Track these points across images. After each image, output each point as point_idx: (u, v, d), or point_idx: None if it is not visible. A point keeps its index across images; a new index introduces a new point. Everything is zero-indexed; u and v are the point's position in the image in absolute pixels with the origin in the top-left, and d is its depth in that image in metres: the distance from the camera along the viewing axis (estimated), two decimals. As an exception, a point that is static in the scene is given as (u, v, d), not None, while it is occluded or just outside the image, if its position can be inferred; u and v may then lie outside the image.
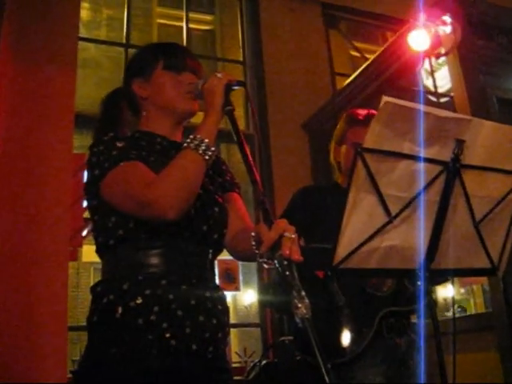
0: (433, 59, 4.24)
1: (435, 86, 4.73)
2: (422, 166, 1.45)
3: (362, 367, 2.11)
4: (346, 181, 2.48)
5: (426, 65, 4.34)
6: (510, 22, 4.34)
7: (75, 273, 10.90)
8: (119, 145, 1.56)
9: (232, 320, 9.12)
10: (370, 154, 1.38)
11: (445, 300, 4.34)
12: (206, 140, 1.49)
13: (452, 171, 1.49)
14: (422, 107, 1.37)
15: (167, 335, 1.45)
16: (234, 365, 4.95)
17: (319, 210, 2.28)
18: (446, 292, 4.36)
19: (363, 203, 1.43)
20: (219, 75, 1.57)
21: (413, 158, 1.43)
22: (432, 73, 4.40)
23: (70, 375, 3.92)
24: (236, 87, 1.56)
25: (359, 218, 1.43)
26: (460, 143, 1.47)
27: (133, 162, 1.53)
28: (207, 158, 1.49)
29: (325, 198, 2.33)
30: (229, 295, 8.63)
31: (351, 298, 2.16)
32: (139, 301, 1.46)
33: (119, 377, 1.44)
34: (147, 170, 1.52)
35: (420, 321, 1.59)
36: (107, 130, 1.63)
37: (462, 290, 4.32)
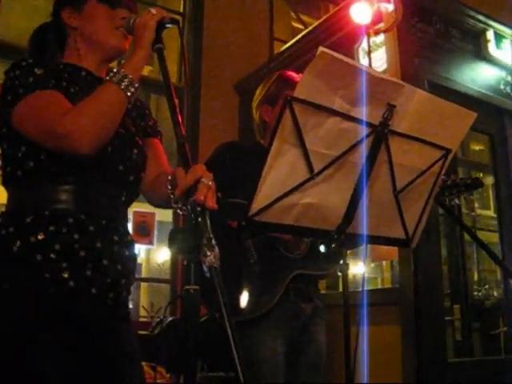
0: (371, 39, 4.25)
1: (370, 66, 4.76)
2: (350, 125, 1.42)
3: (265, 328, 2.10)
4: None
5: (364, 44, 4.34)
6: (449, 11, 4.41)
7: (-17, 212, 10.48)
8: (38, 72, 1.47)
9: (144, 275, 9.04)
10: (298, 105, 1.32)
11: (354, 276, 4.43)
12: (130, 76, 1.43)
13: (379, 135, 1.47)
14: (358, 64, 1.33)
15: (65, 275, 1.39)
16: (141, 319, 4.90)
17: (240, 168, 2.23)
18: (355, 268, 4.46)
19: (286, 156, 1.38)
20: (153, 11, 1.49)
21: (342, 115, 1.39)
22: (369, 53, 4.40)
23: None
24: (169, 25, 1.49)
25: (280, 171, 1.38)
26: (391, 108, 1.45)
27: (49, 91, 1.44)
28: (129, 94, 1.43)
29: (247, 157, 2.28)
30: (142, 250, 8.53)
31: (263, 256, 2.14)
32: (41, 236, 1.39)
33: (10, 315, 1.35)
34: (64, 100, 1.43)
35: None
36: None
37: (372, 265, 4.42)
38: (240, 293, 2.09)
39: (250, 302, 2.08)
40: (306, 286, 2.25)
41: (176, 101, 1.32)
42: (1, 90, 1.49)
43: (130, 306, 1.66)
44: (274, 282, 2.12)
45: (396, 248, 3.42)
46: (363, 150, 1.47)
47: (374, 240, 1.66)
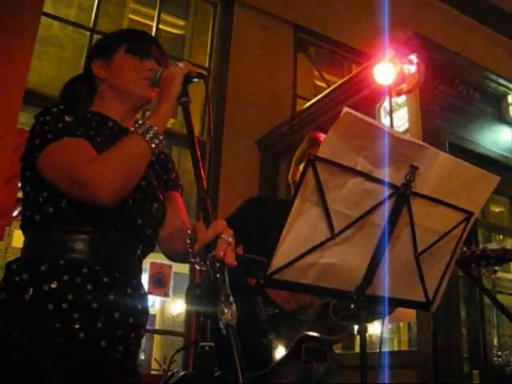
0: (393, 99, 4.30)
1: (392, 126, 4.79)
2: (372, 186, 1.41)
3: None
4: None
5: (386, 104, 4.39)
6: (471, 74, 4.46)
7: (2, 256, 10.52)
8: (67, 119, 1.49)
9: (157, 327, 8.95)
10: (321, 164, 1.33)
11: (370, 336, 4.34)
12: (155, 127, 1.44)
13: (401, 197, 1.46)
14: (382, 125, 1.33)
15: (76, 326, 1.37)
16: (153, 372, 4.83)
17: (265, 223, 2.24)
18: (372, 328, 4.38)
19: (307, 214, 1.38)
20: (180, 64, 1.52)
21: (365, 176, 1.39)
22: (391, 112, 4.45)
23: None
24: (196, 79, 1.51)
25: (301, 229, 1.37)
26: (414, 169, 1.44)
27: (77, 139, 1.45)
28: (153, 145, 1.43)
29: (273, 212, 2.30)
30: (157, 302, 8.47)
31: (273, 314, 2.12)
32: (54, 285, 1.38)
33: (18, 363, 1.33)
34: (90, 148, 1.44)
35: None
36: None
37: (389, 326, 4.34)
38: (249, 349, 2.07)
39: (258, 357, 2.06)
40: (319, 346, 2.21)
41: (199, 155, 1.33)
42: (29, 134, 1.51)
43: (142, 357, 1.64)
44: (282, 341, 2.09)
45: (414, 310, 3.36)
46: (385, 211, 1.46)
47: (394, 302, 1.63)
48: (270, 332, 2.10)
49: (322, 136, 2.48)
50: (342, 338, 2.28)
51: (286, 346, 2.10)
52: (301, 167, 2.46)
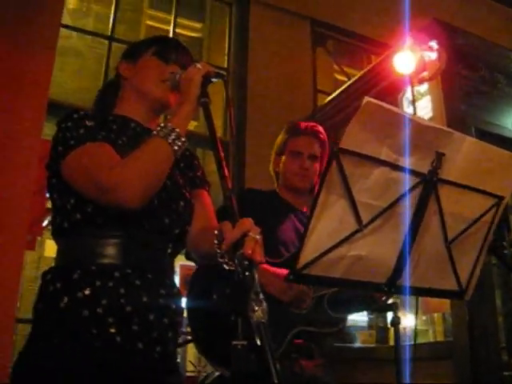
0: (415, 88, 4.24)
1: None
2: (398, 175, 1.39)
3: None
4: (283, 190, 2.50)
5: (408, 94, 4.33)
6: (494, 57, 4.38)
7: (35, 267, 10.66)
8: (88, 124, 1.50)
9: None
10: (345, 156, 1.31)
11: (404, 329, 4.28)
12: (177, 129, 1.44)
13: (428, 184, 1.44)
14: (405, 112, 1.31)
15: (112, 330, 1.39)
16: (188, 374, 4.84)
17: (258, 214, 2.24)
18: (405, 321, 4.33)
19: (333, 207, 1.36)
20: (198, 65, 1.52)
21: (390, 165, 1.37)
22: (413, 102, 4.39)
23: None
24: (215, 79, 1.52)
25: (327, 223, 1.35)
26: (440, 156, 1.42)
27: (99, 143, 1.47)
28: (176, 148, 1.44)
29: (264, 203, 2.29)
30: (189, 304, 8.48)
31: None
32: (87, 292, 1.39)
33: (59, 369, 1.35)
34: (113, 152, 1.46)
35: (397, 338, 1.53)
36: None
37: (423, 318, 4.28)
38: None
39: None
40: (307, 342, 2.19)
41: (222, 154, 1.33)
42: (52, 142, 1.53)
43: (177, 360, 1.64)
44: (275, 338, 2.06)
45: (447, 300, 3.31)
46: (413, 199, 1.43)
47: (426, 292, 1.61)
48: None
49: (302, 124, 2.47)
50: (337, 331, 2.25)
51: (279, 343, 2.07)
52: (282, 158, 2.45)
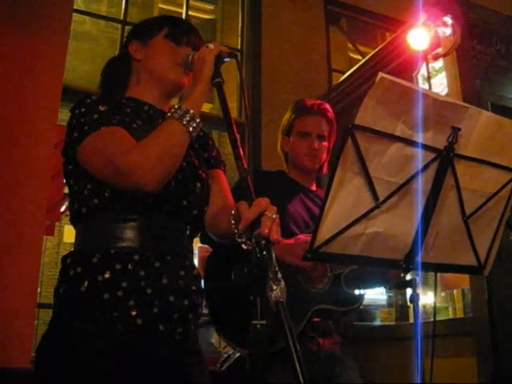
0: (430, 65, 4.20)
1: (431, 92, 4.69)
2: (414, 150, 1.38)
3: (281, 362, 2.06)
4: (291, 170, 2.48)
5: (423, 70, 4.29)
6: (509, 31, 4.31)
7: (55, 252, 10.80)
8: (102, 108, 1.50)
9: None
10: (360, 132, 1.30)
11: (424, 306, 4.30)
12: (192, 111, 1.44)
13: (445, 160, 1.43)
14: (419, 88, 1.30)
15: (133, 313, 1.39)
16: (209, 355, 4.88)
17: (267, 194, 2.25)
18: (425, 298, 4.33)
19: (350, 185, 1.36)
20: (211, 45, 1.51)
21: (406, 141, 1.36)
22: (429, 78, 4.34)
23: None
24: (227, 59, 1.50)
25: (344, 200, 1.36)
26: (455, 131, 1.41)
27: (114, 128, 1.46)
28: (191, 129, 1.43)
29: (273, 183, 2.29)
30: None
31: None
32: (107, 275, 1.40)
33: (81, 352, 1.37)
34: (128, 136, 1.45)
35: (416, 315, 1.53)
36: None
37: (443, 294, 4.28)
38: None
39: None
40: (323, 321, 2.20)
41: (237, 134, 1.32)
42: (67, 128, 1.53)
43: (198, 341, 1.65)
44: (293, 316, 2.08)
45: (467, 276, 3.31)
46: (429, 175, 1.43)
47: (445, 268, 1.61)
48: None
49: (309, 102, 2.45)
50: (355, 308, 2.26)
51: (297, 321, 2.08)
52: (291, 138, 2.44)
